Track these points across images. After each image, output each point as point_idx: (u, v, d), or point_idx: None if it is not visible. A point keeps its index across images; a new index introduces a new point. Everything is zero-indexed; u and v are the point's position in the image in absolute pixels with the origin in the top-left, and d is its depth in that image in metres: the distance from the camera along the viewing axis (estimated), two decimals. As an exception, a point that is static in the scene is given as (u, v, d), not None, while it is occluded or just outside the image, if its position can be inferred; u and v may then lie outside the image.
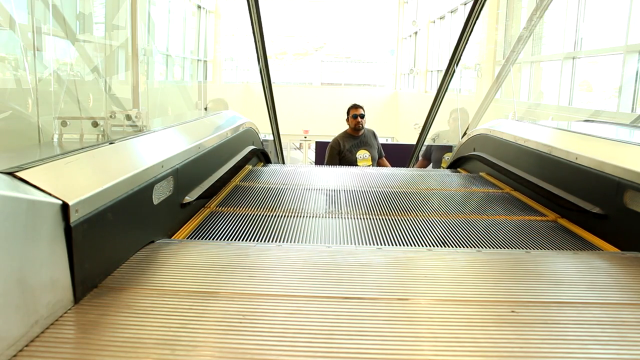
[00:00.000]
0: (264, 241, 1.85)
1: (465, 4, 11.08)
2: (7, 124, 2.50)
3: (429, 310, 1.17)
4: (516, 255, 1.63)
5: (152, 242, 1.58)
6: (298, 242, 1.86)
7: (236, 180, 2.89)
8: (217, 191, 2.50)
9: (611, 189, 1.82)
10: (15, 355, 0.90)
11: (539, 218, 2.24)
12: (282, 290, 1.25)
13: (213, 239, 1.86)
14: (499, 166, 3.08)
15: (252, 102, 6.42)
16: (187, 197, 1.98)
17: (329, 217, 2.20)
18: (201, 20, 14.03)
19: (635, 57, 5.44)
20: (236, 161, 2.99)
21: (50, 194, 1.06)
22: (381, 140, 5.09)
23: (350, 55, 19.31)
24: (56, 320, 1.03)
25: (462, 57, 4.67)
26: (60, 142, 1.69)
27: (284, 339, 1.00)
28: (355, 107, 4.80)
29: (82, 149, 1.45)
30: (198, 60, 13.85)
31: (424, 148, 5.43)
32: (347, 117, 4.82)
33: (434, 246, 1.82)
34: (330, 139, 4.92)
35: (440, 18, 13.46)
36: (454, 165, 4.11)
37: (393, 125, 15.33)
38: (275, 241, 1.86)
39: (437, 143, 5.57)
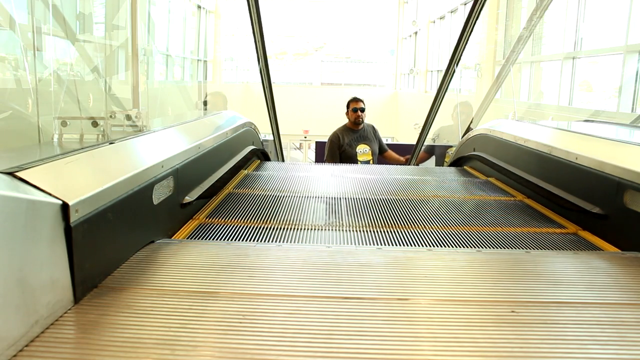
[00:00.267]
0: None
1: (465, 4, 11.08)
2: (7, 124, 2.51)
3: (428, 310, 1.17)
4: (516, 255, 1.63)
5: (152, 242, 1.58)
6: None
7: (229, 187, 2.68)
8: (217, 191, 2.50)
9: (611, 189, 1.82)
10: (15, 355, 0.90)
11: (555, 229, 2.16)
12: (281, 290, 1.25)
13: (213, 240, 1.86)
14: (499, 166, 3.08)
15: (252, 102, 6.42)
16: (187, 197, 1.98)
17: (328, 229, 2.01)
18: (201, 20, 14.03)
19: (635, 57, 5.44)
20: (236, 161, 2.99)
21: (50, 194, 1.06)
22: (381, 140, 5.07)
23: (350, 55, 19.32)
24: (56, 320, 1.03)
25: (462, 57, 4.66)
26: (60, 142, 1.69)
27: (284, 339, 1.01)
28: (355, 100, 4.76)
29: (82, 149, 1.45)
30: (198, 60, 13.86)
31: (424, 147, 5.44)
32: (347, 111, 4.78)
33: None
34: (330, 140, 4.89)
35: (440, 18, 13.46)
36: (454, 165, 4.11)
37: (393, 125, 15.34)
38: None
39: (437, 143, 5.58)
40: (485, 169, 3.37)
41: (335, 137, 4.76)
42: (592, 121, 4.16)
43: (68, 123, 1.72)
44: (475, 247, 1.82)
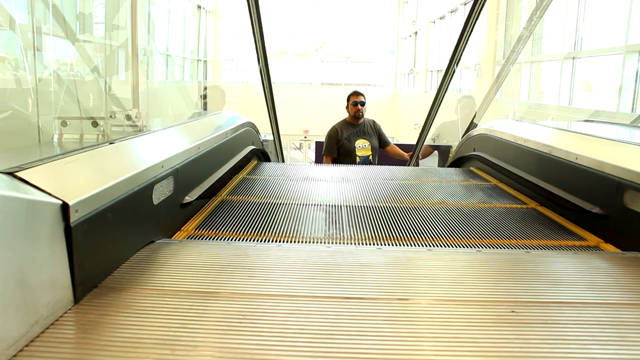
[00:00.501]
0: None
1: (465, 4, 11.08)
2: (7, 124, 2.51)
3: (428, 310, 1.17)
4: (516, 255, 1.63)
5: (152, 242, 1.58)
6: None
7: (223, 194, 2.52)
8: (217, 191, 2.50)
9: (611, 189, 1.82)
10: (15, 355, 0.90)
11: (574, 242, 2.08)
12: (282, 290, 1.25)
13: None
14: (499, 166, 3.08)
15: (252, 102, 6.42)
16: (187, 197, 1.98)
17: (328, 242, 1.84)
18: (201, 20, 14.03)
19: (635, 57, 5.44)
20: (236, 161, 2.99)
21: (50, 194, 1.06)
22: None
23: (350, 55, 19.34)
24: (56, 320, 1.03)
25: (462, 57, 4.66)
26: (60, 142, 1.69)
27: (284, 339, 1.00)
28: (355, 94, 4.71)
29: (82, 149, 1.45)
30: (198, 60, 13.86)
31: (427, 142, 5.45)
32: (347, 104, 4.73)
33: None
34: (330, 140, 4.87)
35: (440, 18, 13.47)
36: (454, 166, 4.11)
37: (393, 125, 15.33)
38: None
39: (437, 143, 5.58)
40: (488, 170, 3.37)
41: (334, 131, 4.69)
42: (592, 121, 4.16)
43: (68, 123, 1.72)
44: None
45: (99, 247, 1.25)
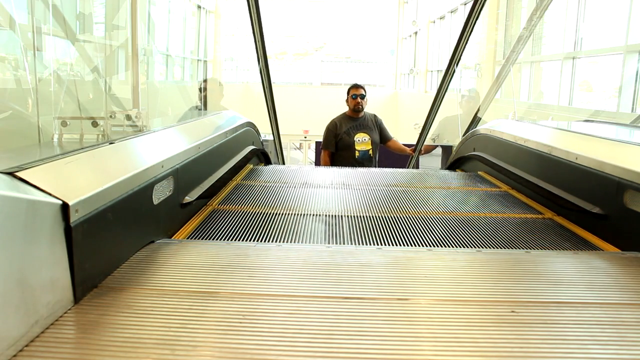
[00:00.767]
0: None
1: (465, 4, 11.08)
2: (7, 124, 2.50)
3: (428, 310, 1.17)
4: (516, 256, 1.63)
5: (152, 242, 1.58)
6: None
7: (214, 203, 2.36)
8: (217, 191, 2.50)
9: (611, 189, 1.82)
10: (15, 355, 0.90)
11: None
12: (281, 290, 1.25)
13: (213, 240, 1.86)
14: (499, 166, 3.08)
15: (252, 102, 6.42)
16: (187, 197, 1.98)
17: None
18: (201, 20, 14.04)
19: (635, 57, 5.44)
20: (236, 161, 2.99)
21: (50, 194, 1.06)
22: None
23: (350, 55, 19.34)
24: (56, 320, 1.03)
25: (462, 57, 4.66)
26: (60, 142, 1.69)
27: (284, 339, 1.00)
28: (355, 87, 4.58)
29: (82, 149, 1.45)
30: (198, 60, 13.86)
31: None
32: (347, 98, 4.61)
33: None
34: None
35: (440, 18, 13.47)
36: (454, 166, 4.11)
37: (393, 125, 15.25)
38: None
39: (437, 143, 5.58)
40: (490, 171, 3.36)
41: (332, 125, 4.56)
42: (592, 121, 4.16)
43: (68, 123, 1.72)
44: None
45: (99, 247, 1.25)
